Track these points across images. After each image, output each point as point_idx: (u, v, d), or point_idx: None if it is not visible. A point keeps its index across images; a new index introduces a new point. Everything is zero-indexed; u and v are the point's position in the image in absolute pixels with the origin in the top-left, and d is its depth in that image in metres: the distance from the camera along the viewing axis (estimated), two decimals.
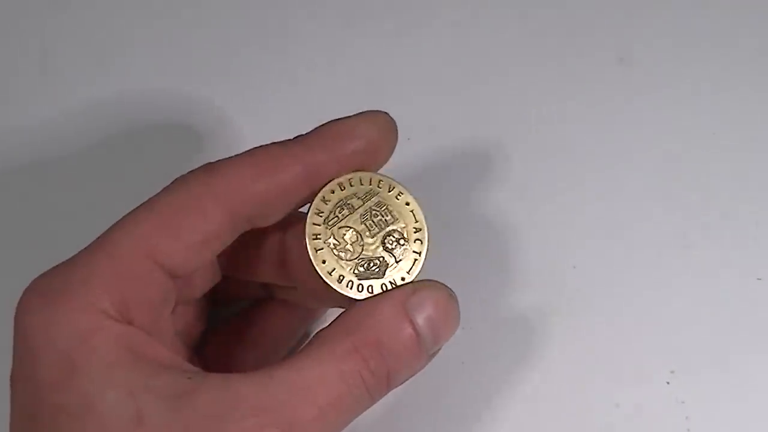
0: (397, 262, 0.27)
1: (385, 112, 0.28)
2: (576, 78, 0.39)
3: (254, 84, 0.39)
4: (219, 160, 0.27)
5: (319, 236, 0.27)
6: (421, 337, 0.25)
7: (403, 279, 0.27)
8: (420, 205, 0.28)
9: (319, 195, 0.27)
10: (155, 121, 0.38)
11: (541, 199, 0.37)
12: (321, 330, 0.26)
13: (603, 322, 0.34)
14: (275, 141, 0.27)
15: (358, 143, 0.27)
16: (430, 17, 0.40)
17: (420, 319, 0.26)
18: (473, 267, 0.35)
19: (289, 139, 0.27)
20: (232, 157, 0.27)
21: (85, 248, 0.25)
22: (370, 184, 0.28)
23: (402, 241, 0.28)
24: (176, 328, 0.29)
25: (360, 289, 0.27)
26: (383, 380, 0.25)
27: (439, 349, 0.27)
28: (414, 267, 0.28)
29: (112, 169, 0.37)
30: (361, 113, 0.27)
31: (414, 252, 0.28)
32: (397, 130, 0.28)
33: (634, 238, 0.36)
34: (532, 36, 0.40)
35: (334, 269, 0.27)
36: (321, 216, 0.27)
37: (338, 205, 0.27)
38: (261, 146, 0.27)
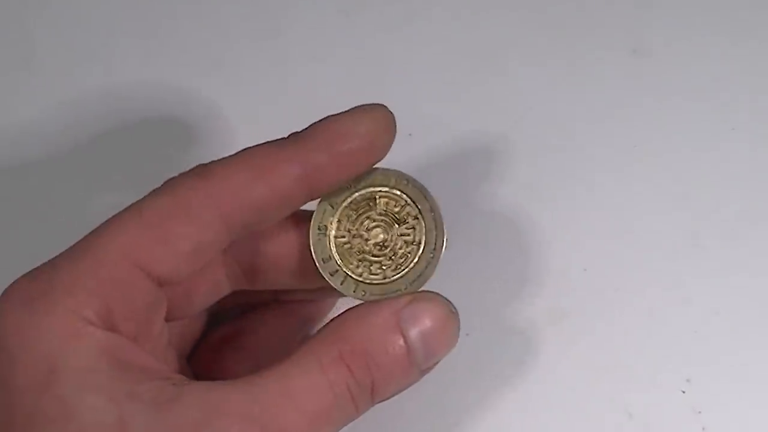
0: (404, 268, 0.27)
1: (383, 105, 0.27)
2: (587, 70, 0.39)
3: (248, 77, 0.39)
4: (212, 162, 0.26)
5: (324, 233, 0.27)
6: (412, 352, 0.25)
7: (406, 288, 0.27)
8: (440, 211, 0.28)
9: (329, 192, 0.27)
10: (146, 117, 0.38)
11: (549, 197, 0.36)
12: (311, 336, 0.26)
13: (615, 327, 0.34)
14: (270, 140, 0.27)
15: (356, 141, 0.26)
16: (434, 6, 0.40)
17: (413, 333, 0.25)
18: (478, 268, 0.35)
19: (285, 138, 0.27)
20: (225, 158, 0.26)
21: (69, 250, 0.25)
22: (391, 186, 0.28)
23: (414, 247, 0.27)
24: (171, 338, 0.28)
25: (363, 293, 0.27)
26: (368, 392, 0.25)
27: (434, 365, 0.26)
28: (421, 277, 0.27)
29: (101, 167, 0.37)
30: (357, 108, 0.27)
31: (425, 260, 0.27)
32: (395, 123, 0.27)
33: (648, 240, 0.36)
34: (541, 26, 0.40)
35: (337, 270, 0.27)
36: (329, 213, 0.27)
37: (350, 204, 0.28)
38: (256, 147, 0.26)
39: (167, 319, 0.28)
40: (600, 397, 0.33)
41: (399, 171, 0.28)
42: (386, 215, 0.28)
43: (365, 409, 0.25)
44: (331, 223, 0.28)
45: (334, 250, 0.27)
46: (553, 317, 0.34)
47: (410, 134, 0.36)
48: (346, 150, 0.26)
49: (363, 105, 0.27)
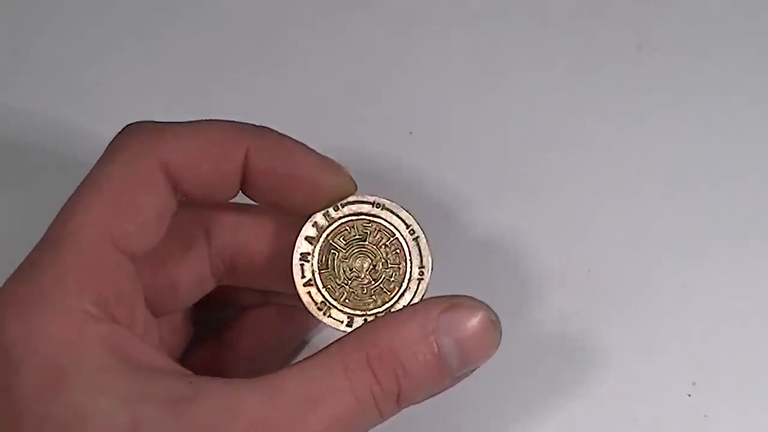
0: (393, 294, 0.27)
1: (346, 171, 0.28)
2: (591, 67, 0.39)
3: (248, 76, 0.39)
4: (163, 125, 0.26)
5: (308, 260, 0.27)
6: (444, 360, 0.24)
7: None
8: (423, 233, 0.27)
9: (312, 217, 0.27)
10: (142, 116, 0.37)
11: (552, 196, 0.36)
12: (339, 338, 0.25)
13: (619, 329, 0.34)
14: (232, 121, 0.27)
15: (307, 190, 0.27)
16: (434, 4, 0.40)
17: (447, 341, 0.24)
18: (480, 270, 0.35)
19: (247, 125, 0.27)
20: (180, 125, 0.26)
21: (44, 242, 0.25)
22: (376, 212, 0.28)
23: (401, 271, 0.27)
24: (163, 336, 0.28)
25: (348, 323, 0.27)
26: (393, 399, 0.24)
27: (471, 372, 0.26)
28: (414, 298, 0.27)
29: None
30: (326, 163, 0.27)
31: (415, 280, 0.27)
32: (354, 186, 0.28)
33: (652, 240, 0.35)
34: (544, 23, 0.40)
35: (323, 301, 0.27)
36: (312, 242, 0.27)
37: (329, 236, 0.27)
38: (214, 122, 0.27)
39: (155, 314, 0.28)
40: (605, 401, 0.33)
41: (373, 196, 0.28)
42: (367, 243, 0.28)
43: (390, 414, 0.25)
44: (313, 256, 0.27)
45: (319, 280, 0.27)
46: (557, 319, 0.34)
47: (410, 132, 0.36)
48: (292, 187, 0.27)
49: (331, 163, 0.27)
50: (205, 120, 0.27)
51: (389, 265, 0.27)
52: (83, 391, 0.23)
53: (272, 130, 0.27)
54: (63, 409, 0.22)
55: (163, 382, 0.23)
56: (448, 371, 0.25)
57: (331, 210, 0.27)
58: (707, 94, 0.38)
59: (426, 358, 0.24)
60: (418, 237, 0.27)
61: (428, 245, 0.27)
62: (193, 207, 0.28)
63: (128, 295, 0.25)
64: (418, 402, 0.25)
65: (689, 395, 0.33)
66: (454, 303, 0.25)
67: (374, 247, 0.27)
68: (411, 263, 0.27)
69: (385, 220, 0.27)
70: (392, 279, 0.27)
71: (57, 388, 0.23)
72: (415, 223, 0.27)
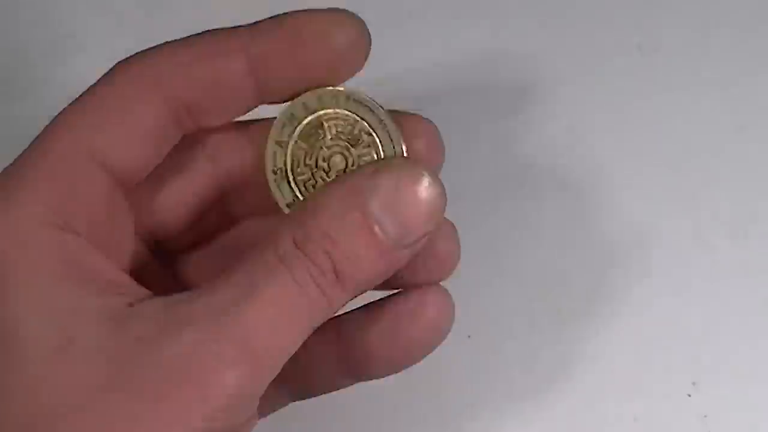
0: None
1: (358, 18, 0.25)
2: (591, 66, 0.38)
3: None
4: (158, 45, 0.24)
5: (282, 176, 0.25)
6: (378, 229, 0.22)
7: None
8: (391, 120, 0.25)
9: (288, 109, 0.25)
10: None
11: (552, 196, 0.36)
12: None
13: (619, 328, 0.34)
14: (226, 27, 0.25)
15: (324, 55, 0.24)
16: (435, 3, 0.40)
17: (374, 204, 0.22)
18: (479, 269, 0.35)
19: (241, 26, 0.25)
20: (174, 41, 0.25)
21: (20, 156, 0.23)
22: (334, 106, 0.25)
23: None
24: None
25: (289, 204, 0.25)
26: (333, 279, 0.22)
27: (421, 241, 0.23)
28: None
29: None
30: (328, 12, 0.24)
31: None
32: (370, 40, 0.25)
33: (653, 240, 0.35)
34: (544, 21, 0.39)
35: (281, 168, 0.25)
36: (281, 154, 0.25)
37: (299, 137, 0.25)
38: (208, 30, 0.25)
39: (154, 237, 0.26)
40: (604, 401, 0.33)
41: (334, 89, 0.25)
42: (339, 139, 0.25)
43: (340, 300, 0.23)
44: (286, 164, 0.26)
45: (295, 188, 0.25)
46: (557, 319, 0.34)
47: None
48: (308, 59, 0.24)
49: (334, 11, 0.24)
50: (196, 35, 0.25)
51: (365, 159, 0.25)
52: (17, 306, 0.21)
53: (269, 19, 0.25)
54: (1, 326, 0.21)
55: (103, 299, 0.22)
56: (385, 240, 0.22)
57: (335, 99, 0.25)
58: (707, 93, 0.38)
59: (355, 228, 0.22)
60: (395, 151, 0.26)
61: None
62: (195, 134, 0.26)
63: (99, 210, 0.23)
64: (369, 285, 0.23)
65: (689, 395, 0.33)
66: (379, 167, 0.23)
67: (355, 149, 0.25)
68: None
69: (372, 128, 0.26)
70: None
71: None
72: (400, 141, 0.26)
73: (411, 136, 0.25)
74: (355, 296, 0.23)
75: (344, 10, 0.25)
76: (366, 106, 0.25)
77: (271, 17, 0.25)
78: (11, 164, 0.23)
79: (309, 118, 0.25)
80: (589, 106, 0.38)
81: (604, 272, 0.35)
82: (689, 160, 0.37)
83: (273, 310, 0.21)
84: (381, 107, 0.25)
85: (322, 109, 0.25)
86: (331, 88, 0.25)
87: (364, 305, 0.26)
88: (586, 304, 0.34)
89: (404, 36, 0.39)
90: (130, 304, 0.22)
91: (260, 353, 0.21)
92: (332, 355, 0.26)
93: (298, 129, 0.25)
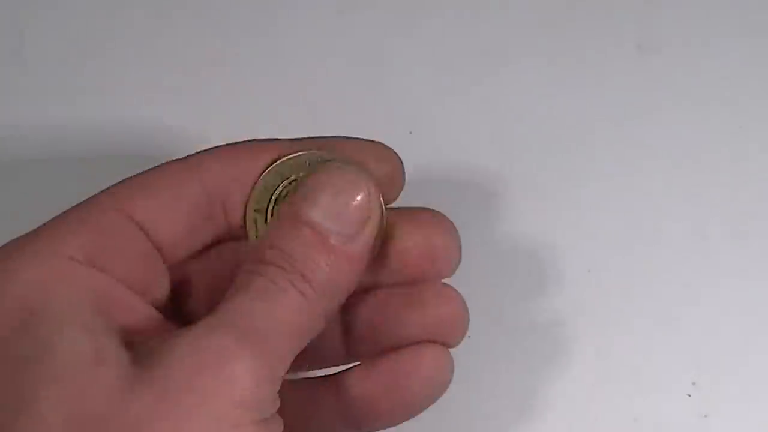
0: None
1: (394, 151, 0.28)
2: (590, 67, 0.38)
3: (246, 76, 0.39)
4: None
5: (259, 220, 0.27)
6: (319, 229, 0.24)
7: None
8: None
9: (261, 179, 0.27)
10: (139, 114, 0.38)
11: (552, 197, 0.36)
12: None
13: (619, 329, 0.34)
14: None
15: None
16: (434, 3, 0.40)
17: (316, 215, 0.25)
18: (480, 270, 0.34)
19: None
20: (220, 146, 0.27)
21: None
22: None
23: None
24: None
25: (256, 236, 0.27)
26: (304, 283, 0.24)
27: (370, 233, 0.25)
28: None
29: (95, 166, 0.37)
30: (369, 144, 0.27)
31: None
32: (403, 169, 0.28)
33: (653, 240, 0.35)
34: (543, 22, 0.39)
35: (264, 208, 0.27)
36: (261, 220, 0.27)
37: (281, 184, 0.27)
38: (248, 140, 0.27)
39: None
40: (605, 401, 0.33)
41: (309, 153, 0.27)
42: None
43: (323, 307, 0.24)
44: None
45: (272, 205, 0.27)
46: (557, 319, 0.34)
47: (411, 132, 0.36)
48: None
49: (373, 146, 0.27)
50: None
51: None
52: (50, 325, 0.23)
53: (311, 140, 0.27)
54: (32, 345, 0.23)
55: (125, 324, 0.24)
56: (336, 238, 0.24)
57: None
58: (707, 94, 0.38)
59: (300, 237, 0.24)
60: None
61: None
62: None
63: (129, 257, 0.25)
64: (348, 286, 0.25)
65: (689, 395, 0.33)
66: (307, 180, 0.25)
67: None
68: None
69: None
70: None
71: (25, 328, 0.23)
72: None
73: (427, 231, 0.27)
74: (333, 303, 0.25)
75: (378, 142, 0.28)
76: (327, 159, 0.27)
77: (312, 138, 0.27)
78: (56, 216, 0.25)
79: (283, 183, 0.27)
80: (588, 105, 0.38)
81: (603, 272, 0.35)
82: (689, 159, 0.37)
83: (261, 303, 0.23)
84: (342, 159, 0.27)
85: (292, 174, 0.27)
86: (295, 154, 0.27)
87: (365, 361, 0.27)
88: (586, 304, 0.34)
89: (402, 36, 0.39)
90: (144, 330, 0.24)
91: (261, 339, 0.23)
92: (333, 408, 0.28)
93: (274, 196, 0.27)
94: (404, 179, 0.28)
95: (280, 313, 0.24)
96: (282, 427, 0.24)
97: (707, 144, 0.37)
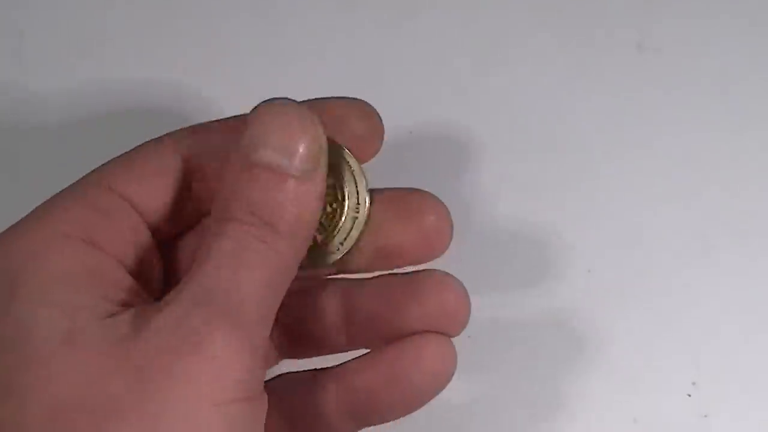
0: (332, 228, 0.26)
1: (373, 107, 0.27)
2: (590, 66, 0.38)
3: (246, 74, 0.39)
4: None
5: None
6: (269, 165, 0.23)
7: (338, 249, 0.26)
8: (359, 164, 0.26)
9: None
10: (138, 111, 0.38)
11: (552, 196, 0.36)
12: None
13: (619, 329, 0.34)
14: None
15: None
16: (434, 2, 0.40)
17: (270, 155, 0.23)
18: (479, 269, 0.35)
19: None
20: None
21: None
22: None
23: (338, 206, 0.26)
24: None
25: None
26: (268, 229, 0.23)
27: (316, 160, 0.24)
28: (348, 238, 0.26)
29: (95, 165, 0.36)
30: (347, 100, 0.27)
31: (351, 218, 0.26)
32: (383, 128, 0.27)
33: (653, 240, 0.35)
34: (543, 21, 0.39)
35: None
36: None
37: None
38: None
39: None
40: (604, 401, 0.33)
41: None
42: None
43: (294, 249, 0.24)
44: None
45: None
46: (557, 319, 0.34)
47: (411, 132, 0.36)
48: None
49: (352, 102, 0.27)
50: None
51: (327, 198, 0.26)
52: (28, 303, 0.23)
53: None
54: (11, 327, 0.22)
55: (109, 301, 0.23)
56: (288, 172, 0.23)
57: None
58: (707, 93, 0.38)
59: (252, 176, 0.23)
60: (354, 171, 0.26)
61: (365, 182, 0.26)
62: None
63: (123, 236, 0.25)
64: (311, 220, 0.24)
65: (689, 395, 0.33)
66: (254, 130, 0.24)
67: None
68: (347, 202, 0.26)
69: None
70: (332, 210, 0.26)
71: (7, 306, 0.23)
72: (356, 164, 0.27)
73: (419, 212, 0.27)
74: (303, 244, 0.24)
75: (361, 100, 0.27)
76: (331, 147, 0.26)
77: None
78: (51, 197, 0.25)
79: None
80: (588, 105, 0.38)
81: (603, 272, 0.35)
82: (689, 159, 0.37)
83: (231, 271, 0.23)
84: (346, 150, 0.26)
85: None
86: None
87: (367, 353, 0.27)
88: (586, 304, 0.34)
89: (402, 36, 0.39)
90: (130, 305, 0.23)
91: (235, 308, 0.22)
92: (335, 401, 0.27)
93: None
94: (382, 140, 0.27)
95: (254, 275, 0.23)
96: (266, 405, 0.23)
97: (707, 144, 0.37)
